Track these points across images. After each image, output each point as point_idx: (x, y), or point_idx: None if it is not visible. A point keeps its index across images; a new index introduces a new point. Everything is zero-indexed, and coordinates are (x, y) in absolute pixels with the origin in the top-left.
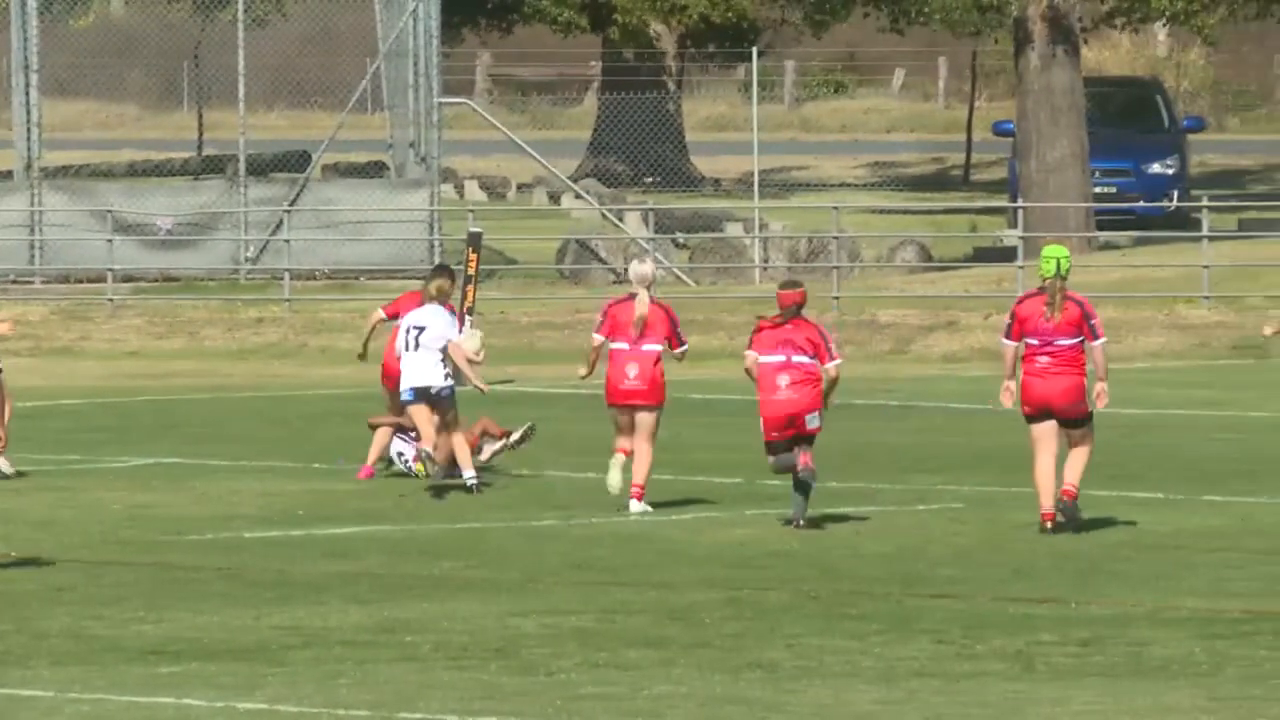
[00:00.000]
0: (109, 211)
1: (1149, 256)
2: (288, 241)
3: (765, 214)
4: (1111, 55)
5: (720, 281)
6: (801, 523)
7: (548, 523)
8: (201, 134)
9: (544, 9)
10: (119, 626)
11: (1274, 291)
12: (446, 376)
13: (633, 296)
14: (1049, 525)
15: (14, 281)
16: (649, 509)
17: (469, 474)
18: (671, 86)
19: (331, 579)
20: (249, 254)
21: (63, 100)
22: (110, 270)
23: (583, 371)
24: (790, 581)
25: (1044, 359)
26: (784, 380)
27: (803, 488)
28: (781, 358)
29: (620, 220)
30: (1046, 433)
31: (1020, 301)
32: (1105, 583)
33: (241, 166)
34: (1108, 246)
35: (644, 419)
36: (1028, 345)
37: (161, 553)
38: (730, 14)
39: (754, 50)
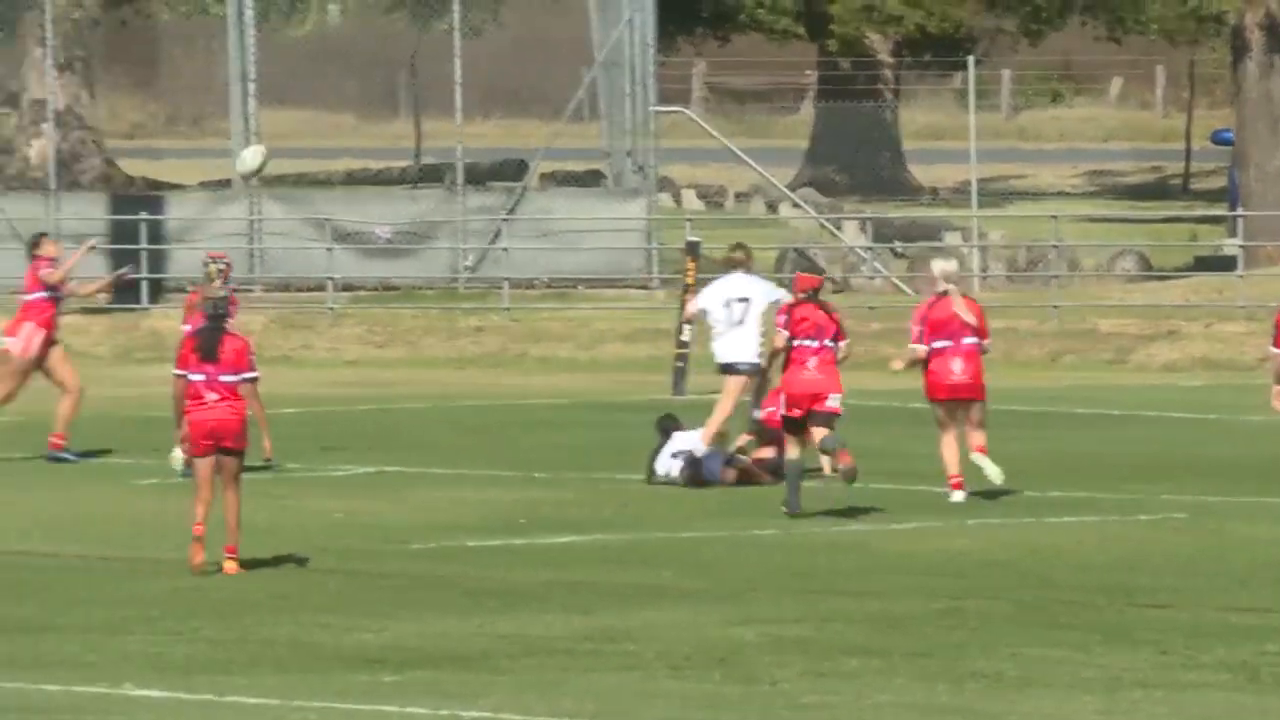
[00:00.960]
0: (327, 220)
1: None
2: (506, 250)
3: (983, 223)
4: None
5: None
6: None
7: (769, 532)
8: (419, 142)
9: (760, 18)
10: (341, 635)
11: None
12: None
13: (940, 295)
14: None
15: (235, 290)
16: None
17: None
18: (888, 95)
19: (553, 587)
20: (467, 263)
21: (280, 109)
22: (330, 279)
23: (898, 365)
24: (1011, 591)
25: None
26: (813, 362)
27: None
28: (815, 342)
29: (838, 229)
30: None
31: None
32: None
33: (459, 175)
34: None
35: (973, 411)
36: None
37: (383, 561)
38: (946, 24)
39: (970, 59)
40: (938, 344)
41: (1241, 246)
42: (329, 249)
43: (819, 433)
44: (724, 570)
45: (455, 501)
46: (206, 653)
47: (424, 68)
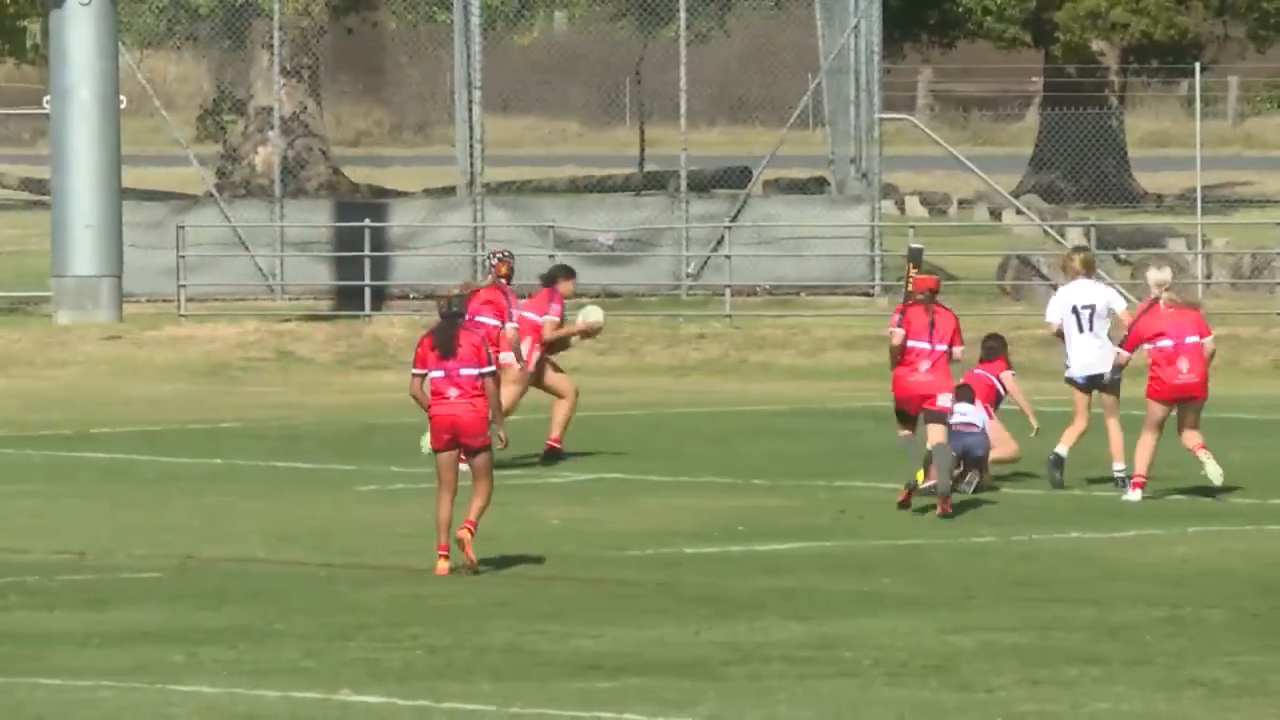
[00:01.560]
0: (550, 227)
1: None
2: (728, 257)
3: (1207, 230)
4: None
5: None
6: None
7: (986, 539)
8: (643, 150)
9: (987, 25)
10: (558, 641)
11: None
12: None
13: (1156, 302)
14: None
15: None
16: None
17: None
18: (1113, 102)
19: (769, 594)
20: (690, 270)
21: (505, 116)
22: None
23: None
24: (1231, 599)
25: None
26: (925, 365)
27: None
28: (927, 345)
29: (1062, 236)
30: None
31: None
32: None
33: (683, 182)
34: None
35: (1194, 410)
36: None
37: (600, 568)
38: (1172, 30)
39: (1197, 65)
40: (1161, 344)
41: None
42: (551, 255)
43: (935, 431)
44: (941, 577)
45: (673, 508)
46: (423, 659)
47: (649, 75)
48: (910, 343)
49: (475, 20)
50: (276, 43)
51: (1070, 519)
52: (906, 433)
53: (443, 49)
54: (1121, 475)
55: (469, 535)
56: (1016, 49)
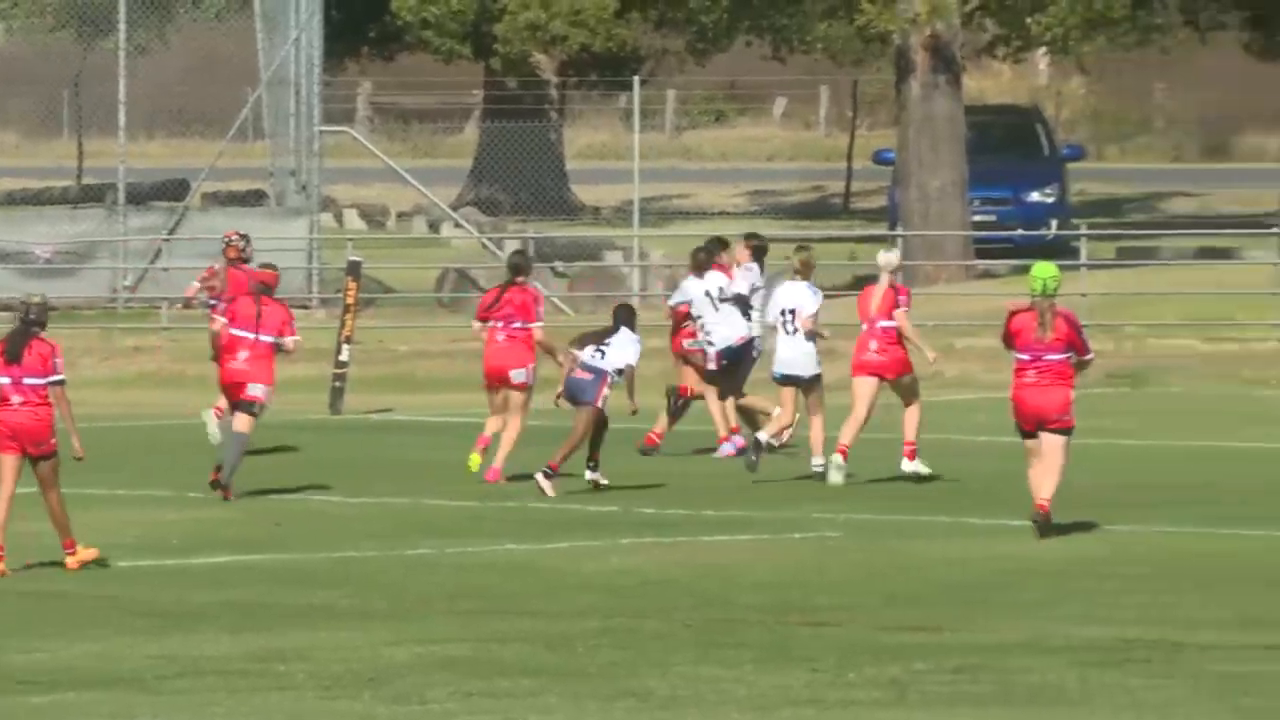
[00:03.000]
0: None
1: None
2: (166, 270)
3: (645, 242)
4: (993, 84)
5: (599, 310)
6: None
7: (423, 551)
8: (81, 162)
9: (426, 38)
10: None
11: (1151, 320)
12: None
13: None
14: (1041, 515)
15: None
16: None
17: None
18: (553, 115)
19: (206, 608)
20: (127, 283)
21: None
22: None
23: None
24: (666, 610)
25: (1033, 373)
26: (244, 354)
27: None
28: (252, 335)
29: (499, 249)
30: (1037, 449)
31: (1013, 316)
32: (980, 611)
33: (120, 195)
34: (986, 275)
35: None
36: (1018, 360)
37: (34, 581)
38: (611, 43)
39: (635, 79)
40: (864, 327)
41: (901, 266)
42: None
43: (239, 420)
44: (378, 590)
45: (109, 522)
46: None
47: (89, 87)
48: (234, 331)
49: None
50: None
51: (506, 530)
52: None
53: None
54: (819, 469)
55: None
56: (457, 62)
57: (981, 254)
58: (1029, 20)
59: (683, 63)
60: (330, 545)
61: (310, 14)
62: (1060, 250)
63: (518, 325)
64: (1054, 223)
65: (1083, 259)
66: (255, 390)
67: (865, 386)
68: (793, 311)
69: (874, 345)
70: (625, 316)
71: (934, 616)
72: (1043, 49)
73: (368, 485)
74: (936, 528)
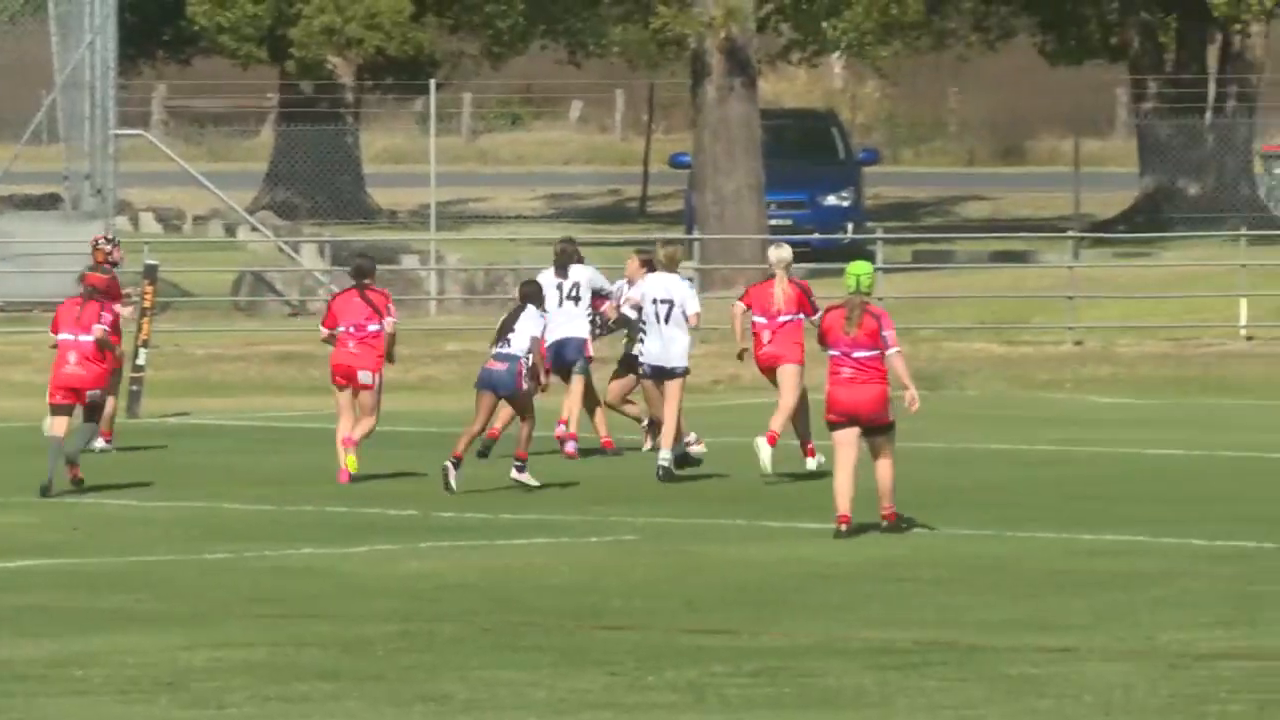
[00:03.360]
0: None
1: (823, 289)
2: None
3: (442, 246)
4: (788, 88)
5: (399, 315)
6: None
7: (221, 555)
8: None
9: (222, 42)
10: None
11: (948, 323)
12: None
13: (770, 278)
14: (844, 528)
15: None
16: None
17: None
18: (349, 119)
19: (2, 613)
20: None
21: None
22: None
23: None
24: (464, 614)
25: (848, 370)
26: (73, 356)
27: None
28: (71, 336)
29: (296, 252)
30: (848, 439)
31: (826, 312)
32: (778, 614)
33: None
34: None
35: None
36: (832, 356)
37: None
38: (406, 46)
39: (432, 82)
40: (756, 318)
41: (698, 269)
42: None
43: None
44: (175, 594)
45: None
46: None
47: None
48: (62, 335)
49: None
50: None
51: (303, 534)
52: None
53: None
54: (666, 464)
55: None
56: (253, 66)
57: None
58: (825, 25)
59: (479, 66)
60: (128, 549)
61: (105, 17)
62: (857, 254)
63: (372, 328)
64: (850, 226)
65: (879, 262)
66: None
67: (782, 374)
68: (667, 303)
69: (767, 337)
70: (529, 292)
71: (732, 619)
72: (838, 53)
73: (165, 489)
74: (734, 531)
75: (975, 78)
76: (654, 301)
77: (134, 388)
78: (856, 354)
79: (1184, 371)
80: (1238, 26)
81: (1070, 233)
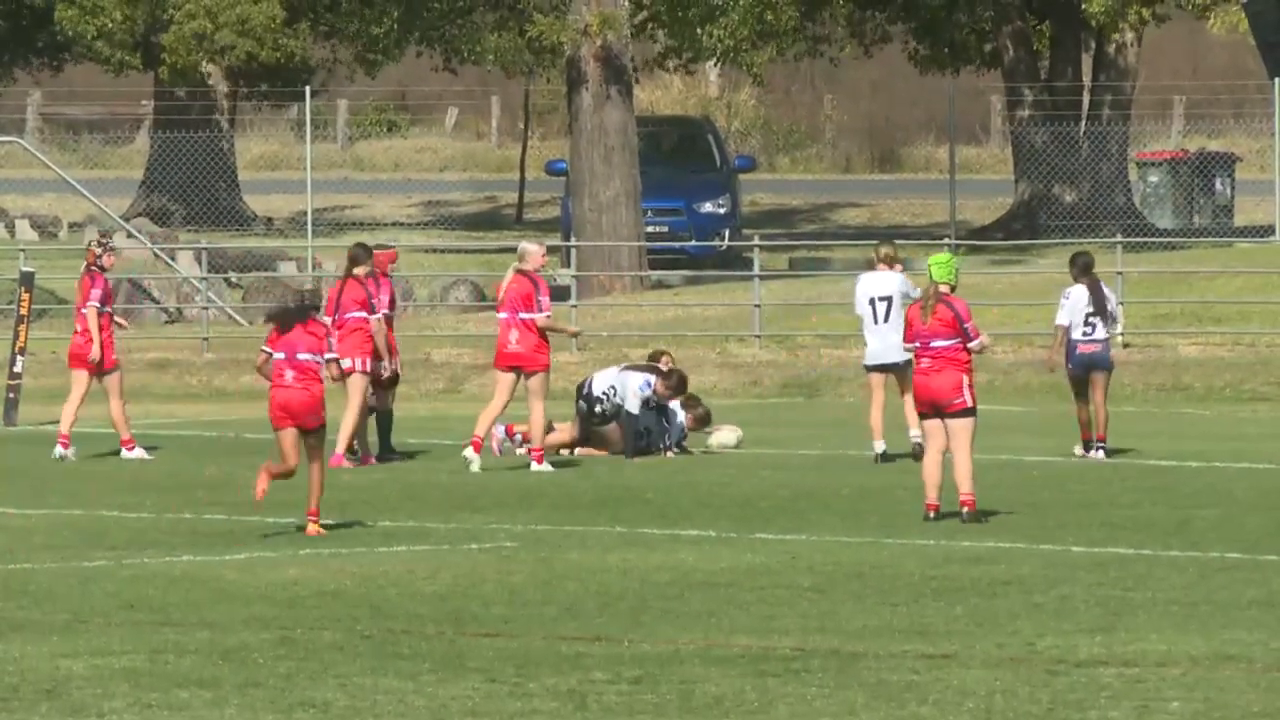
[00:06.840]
0: None
1: (700, 296)
2: None
3: (318, 253)
4: (664, 95)
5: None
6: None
7: (99, 563)
8: None
9: (95, 49)
10: None
11: (823, 330)
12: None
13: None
14: (931, 515)
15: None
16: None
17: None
18: (224, 125)
19: None
20: None
21: None
22: None
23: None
24: (342, 621)
25: (926, 359)
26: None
27: None
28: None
29: (173, 259)
30: (933, 429)
31: (910, 306)
32: (657, 621)
33: None
34: (660, 285)
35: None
36: (915, 349)
37: None
38: (278, 53)
39: (307, 89)
40: (501, 315)
41: (575, 276)
42: None
43: None
44: (53, 602)
45: None
46: None
47: None
48: None
49: None
50: None
51: (181, 542)
52: None
53: None
54: (917, 441)
55: None
56: (127, 72)
57: (655, 264)
58: (700, 32)
59: (354, 73)
60: (5, 557)
61: None
62: (733, 261)
63: (357, 315)
64: (726, 233)
65: (755, 270)
66: None
67: (507, 379)
68: (886, 300)
69: (514, 336)
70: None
71: (612, 626)
72: (713, 60)
73: (43, 497)
74: (613, 538)
75: (851, 85)
76: (871, 301)
77: (10, 395)
78: (934, 343)
79: (1060, 378)
80: (1115, 35)
81: (946, 240)
